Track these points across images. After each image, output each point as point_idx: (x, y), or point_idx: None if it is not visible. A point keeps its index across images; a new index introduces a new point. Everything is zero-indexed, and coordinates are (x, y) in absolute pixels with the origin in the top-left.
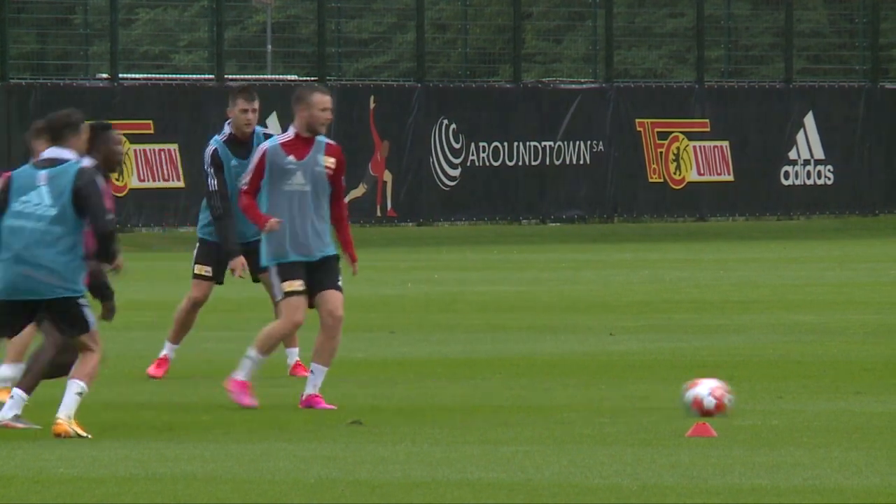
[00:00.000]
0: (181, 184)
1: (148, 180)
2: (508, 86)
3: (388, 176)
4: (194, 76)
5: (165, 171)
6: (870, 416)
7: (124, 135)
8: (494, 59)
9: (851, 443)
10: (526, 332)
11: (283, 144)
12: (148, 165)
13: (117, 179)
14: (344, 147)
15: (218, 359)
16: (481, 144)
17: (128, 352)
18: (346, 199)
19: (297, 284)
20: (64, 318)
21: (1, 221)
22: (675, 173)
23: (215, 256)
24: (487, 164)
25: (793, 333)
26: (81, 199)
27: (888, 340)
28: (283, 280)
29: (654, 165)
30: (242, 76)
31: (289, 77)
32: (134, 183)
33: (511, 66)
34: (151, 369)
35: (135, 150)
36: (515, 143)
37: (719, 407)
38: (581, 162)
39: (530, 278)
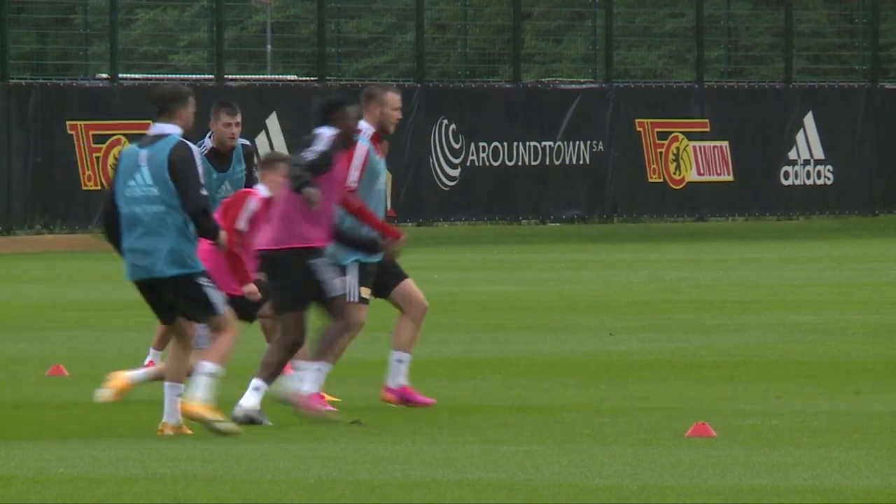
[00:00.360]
0: None
1: None
2: (508, 86)
3: (387, 176)
4: (194, 76)
5: None
6: (869, 416)
7: (123, 135)
8: (494, 59)
9: (851, 443)
10: (526, 332)
11: (373, 141)
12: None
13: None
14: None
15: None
16: (481, 144)
17: (127, 352)
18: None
19: (369, 293)
20: (185, 300)
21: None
22: (674, 173)
23: None
24: (487, 164)
25: (793, 333)
26: (174, 174)
27: (888, 340)
28: (362, 284)
29: (654, 165)
30: (242, 76)
31: (288, 77)
32: None
33: (511, 66)
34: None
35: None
36: (515, 143)
37: None
38: (581, 162)
39: (530, 278)
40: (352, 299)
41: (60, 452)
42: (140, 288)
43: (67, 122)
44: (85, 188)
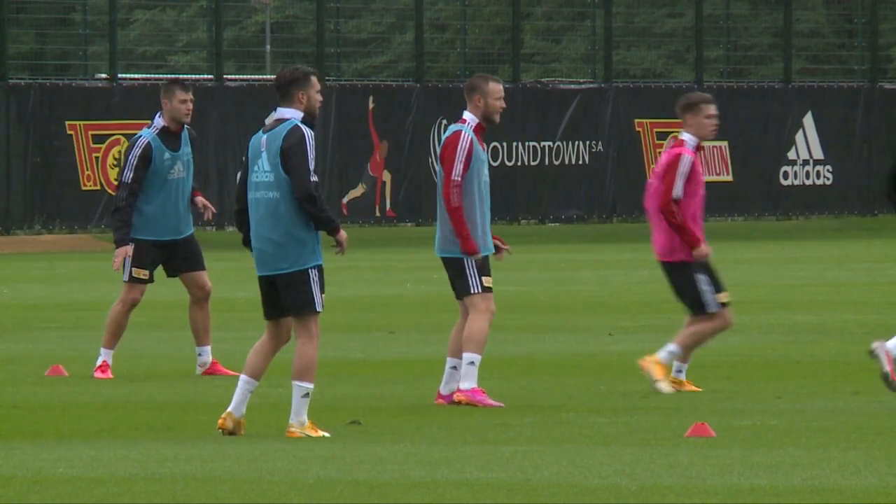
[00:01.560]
0: None
1: None
2: (507, 86)
3: (387, 176)
4: (193, 76)
5: None
6: (868, 417)
7: (123, 135)
8: (493, 59)
9: (850, 443)
10: (525, 332)
11: (476, 132)
12: None
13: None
14: (343, 147)
15: (218, 358)
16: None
17: (126, 352)
18: (345, 200)
19: (490, 280)
20: (288, 295)
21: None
22: None
23: (153, 258)
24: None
25: (792, 333)
26: (286, 160)
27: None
28: (482, 275)
29: (654, 165)
30: (241, 76)
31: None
32: None
33: (510, 66)
34: (98, 374)
35: None
36: (515, 143)
37: None
38: (580, 162)
39: (529, 278)
40: (472, 291)
41: (59, 452)
42: (262, 281)
43: (67, 122)
44: (84, 188)
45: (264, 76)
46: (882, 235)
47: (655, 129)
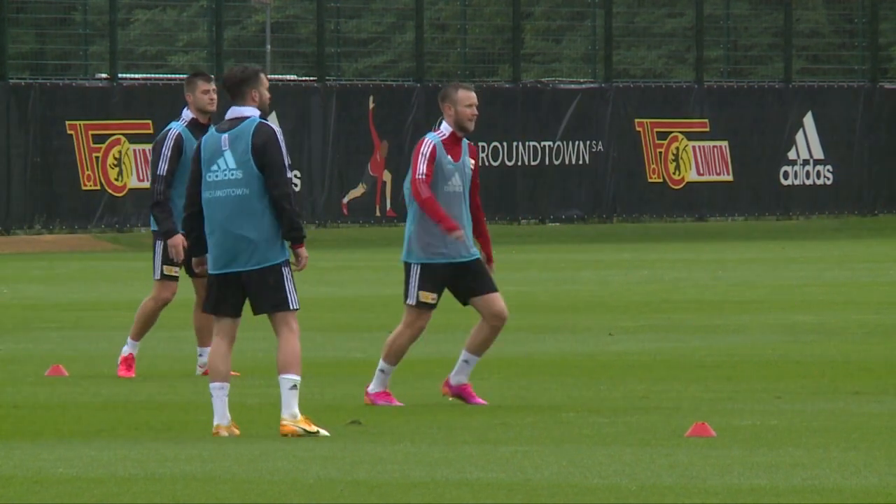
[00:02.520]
0: None
1: (147, 180)
2: (508, 86)
3: (387, 176)
4: None
5: None
6: (868, 417)
7: (123, 135)
8: (494, 58)
9: (850, 443)
10: (525, 332)
11: (445, 143)
12: (147, 165)
13: (116, 179)
14: (343, 147)
15: None
16: (480, 144)
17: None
18: (346, 200)
19: (433, 298)
20: (262, 292)
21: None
22: (674, 173)
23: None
24: (487, 163)
25: (792, 333)
26: (261, 156)
27: (887, 341)
28: (420, 289)
29: (654, 165)
30: None
31: (288, 77)
32: (133, 183)
33: (510, 65)
34: (122, 371)
35: (134, 150)
36: (515, 143)
37: None
38: (580, 162)
39: (529, 278)
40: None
41: (59, 452)
42: (223, 278)
43: (67, 122)
44: (84, 188)
45: None
46: (882, 235)
47: (656, 129)
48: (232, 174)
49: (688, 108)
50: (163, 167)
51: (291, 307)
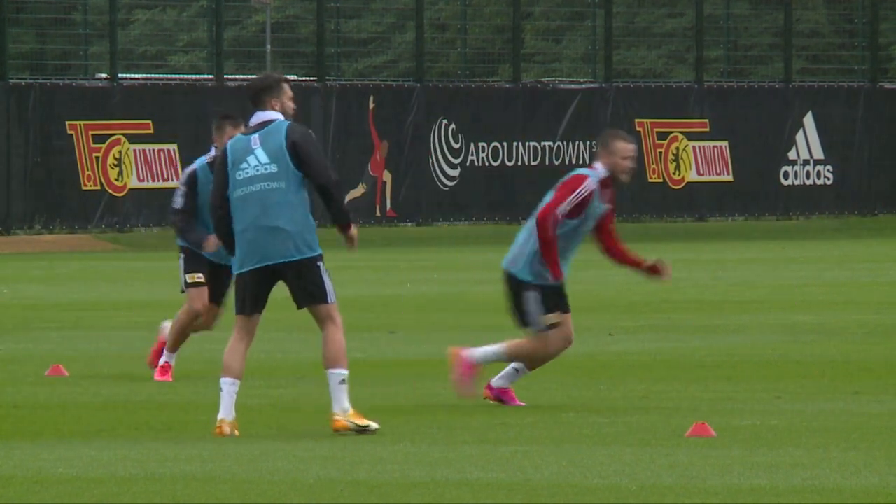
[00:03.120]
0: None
1: (147, 180)
2: (508, 86)
3: (387, 176)
4: (193, 76)
5: (164, 171)
6: (868, 417)
7: (123, 135)
8: (494, 58)
9: (850, 443)
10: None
11: (601, 182)
12: (147, 165)
13: (117, 179)
14: (343, 147)
15: (218, 359)
16: (481, 144)
17: (126, 352)
18: (346, 199)
19: (559, 316)
20: (300, 285)
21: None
22: (674, 173)
23: (206, 261)
24: (487, 164)
25: (792, 333)
26: (298, 152)
27: (887, 341)
28: (548, 312)
29: (654, 165)
30: (241, 76)
31: (288, 77)
32: (133, 183)
33: (510, 65)
34: (158, 376)
35: (134, 150)
36: (515, 143)
37: None
38: (580, 162)
39: None
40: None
41: (59, 452)
42: (256, 273)
43: (67, 122)
44: (84, 188)
45: None
46: (882, 235)
47: (655, 129)
48: (266, 168)
49: (688, 108)
50: (180, 202)
51: (329, 300)
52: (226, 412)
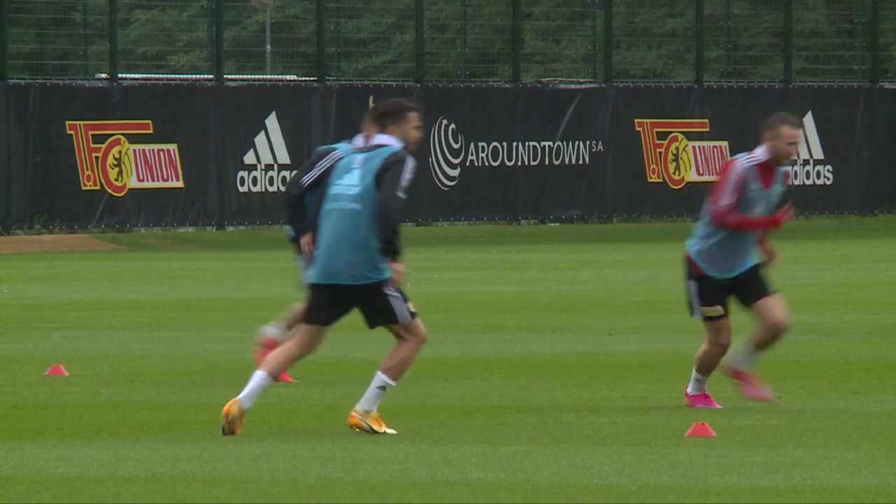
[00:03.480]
0: (180, 184)
1: (147, 180)
2: (507, 86)
3: None
4: (193, 76)
5: (164, 172)
6: (868, 417)
7: (123, 135)
8: (493, 59)
9: (850, 443)
10: (525, 332)
11: (758, 167)
12: (147, 165)
13: (116, 179)
14: None
15: (218, 359)
16: (480, 144)
17: (126, 352)
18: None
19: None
20: (368, 309)
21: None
22: (674, 173)
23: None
24: (486, 164)
25: (792, 333)
26: (380, 177)
27: (887, 341)
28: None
29: (654, 165)
30: (241, 76)
31: (288, 77)
32: (133, 183)
33: (510, 66)
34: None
35: (134, 151)
36: (514, 143)
37: None
38: (580, 162)
39: (529, 278)
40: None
41: (59, 452)
42: (326, 289)
43: (67, 122)
44: (84, 188)
45: (264, 76)
46: (882, 235)
47: (655, 129)
48: (351, 189)
49: (688, 108)
50: (312, 175)
51: (400, 321)
52: (247, 399)
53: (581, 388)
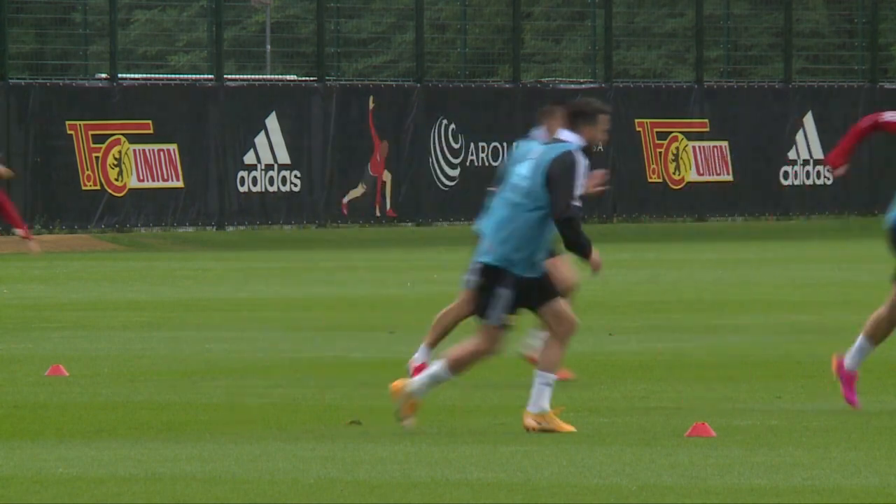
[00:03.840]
0: (180, 184)
1: (147, 180)
2: (507, 86)
3: (387, 176)
4: (193, 76)
5: (164, 172)
6: (868, 417)
7: (123, 135)
8: (493, 59)
9: (850, 443)
10: (525, 332)
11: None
12: (147, 165)
13: (116, 179)
14: (343, 147)
15: (218, 359)
16: (480, 144)
17: (126, 352)
18: (346, 200)
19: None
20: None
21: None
22: (674, 173)
23: None
24: (486, 164)
25: (792, 333)
26: (549, 178)
27: (887, 341)
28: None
29: (654, 165)
30: (241, 76)
31: (288, 77)
32: (133, 183)
33: (510, 66)
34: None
35: (134, 151)
36: (515, 143)
37: None
38: None
39: None
40: None
41: (59, 452)
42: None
43: (67, 122)
44: (84, 188)
45: (264, 76)
46: (882, 235)
47: (656, 129)
48: (522, 181)
49: (688, 108)
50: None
51: (487, 321)
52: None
53: (581, 388)
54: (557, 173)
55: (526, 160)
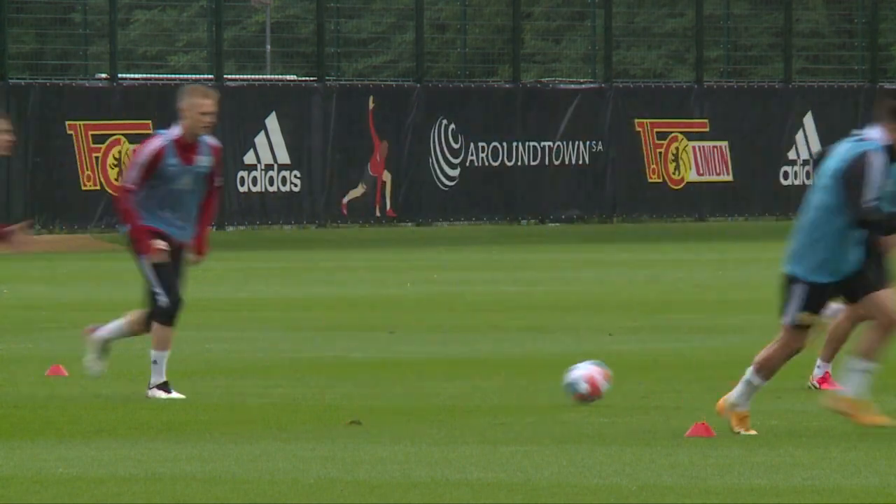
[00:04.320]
0: None
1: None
2: (507, 86)
3: (387, 176)
4: (193, 76)
5: None
6: None
7: (123, 135)
8: (493, 59)
9: (850, 443)
10: (526, 332)
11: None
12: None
13: (116, 179)
14: (343, 147)
15: (218, 359)
16: (480, 144)
17: (127, 352)
18: (345, 200)
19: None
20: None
21: None
22: (674, 173)
23: None
24: (486, 164)
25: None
26: (840, 180)
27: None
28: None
29: (654, 165)
30: (241, 76)
31: (288, 77)
32: None
33: (510, 66)
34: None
35: (134, 151)
36: (514, 143)
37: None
38: (580, 162)
39: (529, 278)
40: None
41: (59, 452)
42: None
43: (67, 122)
44: (84, 188)
45: (264, 76)
46: None
47: (655, 129)
48: (823, 180)
49: (688, 108)
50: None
51: (784, 320)
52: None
53: None
54: (851, 177)
55: (829, 159)
